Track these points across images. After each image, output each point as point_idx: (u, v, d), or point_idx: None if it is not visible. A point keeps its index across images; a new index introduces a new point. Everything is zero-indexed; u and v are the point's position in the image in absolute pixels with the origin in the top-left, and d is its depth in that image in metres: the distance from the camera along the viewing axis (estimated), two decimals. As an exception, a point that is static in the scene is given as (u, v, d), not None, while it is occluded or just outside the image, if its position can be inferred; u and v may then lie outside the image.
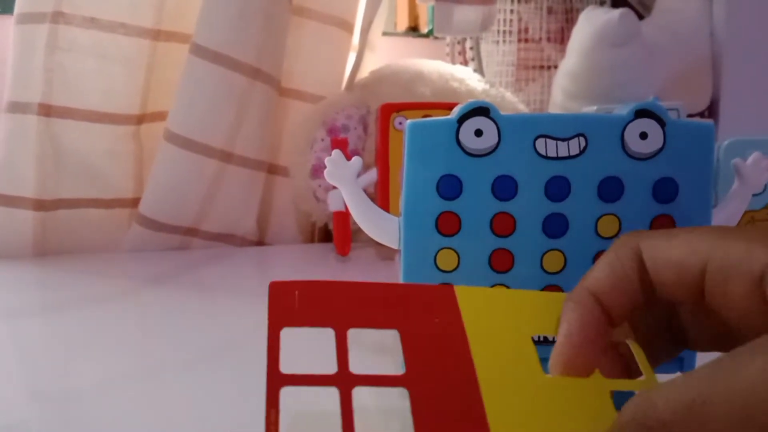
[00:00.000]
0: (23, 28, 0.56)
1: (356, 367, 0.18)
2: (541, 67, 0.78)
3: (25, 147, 0.56)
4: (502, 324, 0.20)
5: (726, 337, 0.19)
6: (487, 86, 0.66)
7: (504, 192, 0.25)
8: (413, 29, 0.85)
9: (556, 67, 0.75)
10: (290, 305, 0.19)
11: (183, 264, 0.58)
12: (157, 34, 0.60)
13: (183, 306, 0.45)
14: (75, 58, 0.57)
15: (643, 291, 0.20)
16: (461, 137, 0.24)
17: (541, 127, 0.24)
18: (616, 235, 0.25)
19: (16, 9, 0.56)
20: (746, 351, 0.15)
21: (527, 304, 0.21)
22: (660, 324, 0.22)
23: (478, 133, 0.24)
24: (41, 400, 0.30)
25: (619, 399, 0.18)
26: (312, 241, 0.69)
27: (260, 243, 0.67)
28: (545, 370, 0.19)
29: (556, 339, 0.20)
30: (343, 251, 0.57)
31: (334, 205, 0.56)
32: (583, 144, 0.24)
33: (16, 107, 0.56)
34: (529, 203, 0.25)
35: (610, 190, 0.25)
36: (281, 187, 0.67)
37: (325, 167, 0.27)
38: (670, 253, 0.19)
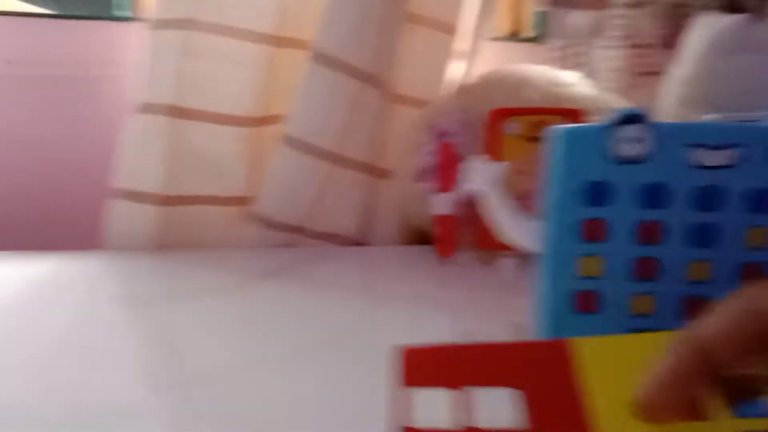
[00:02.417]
0: (158, 34, 0.59)
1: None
2: (652, 73, 0.75)
3: (153, 146, 0.60)
4: (622, 373, 0.20)
5: None
6: (597, 92, 0.65)
7: (653, 200, 0.24)
8: (515, 34, 0.84)
9: (666, 73, 0.72)
10: (418, 368, 0.21)
11: (290, 260, 0.59)
12: (279, 41, 0.62)
13: (290, 300, 0.46)
14: (204, 62, 0.60)
15: (758, 342, 0.19)
16: (613, 143, 0.24)
17: (695, 135, 0.24)
18: (763, 246, 0.24)
19: (153, 15, 0.60)
20: None
21: (650, 347, 0.20)
22: None
23: (632, 140, 0.24)
24: (156, 384, 0.31)
25: None
26: (414, 243, 0.70)
27: (363, 243, 0.69)
28: None
29: None
30: (447, 254, 0.58)
31: (437, 209, 0.57)
32: (736, 154, 0.24)
33: (148, 108, 0.59)
34: (678, 212, 0.24)
35: (763, 201, 0.24)
36: (385, 189, 0.68)
37: (429, 170, 0.27)
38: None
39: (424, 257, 0.63)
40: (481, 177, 0.26)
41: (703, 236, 0.25)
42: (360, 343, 0.37)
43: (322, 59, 0.58)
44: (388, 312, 0.44)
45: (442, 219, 0.58)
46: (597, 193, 0.25)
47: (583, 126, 0.25)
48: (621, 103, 0.66)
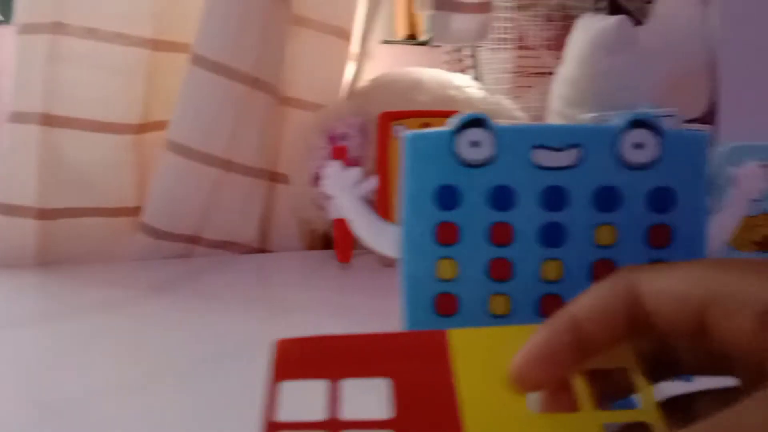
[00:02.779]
0: (24, 39, 0.56)
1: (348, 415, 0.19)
2: (539, 74, 0.78)
3: (26, 156, 0.57)
4: (492, 363, 0.20)
5: (722, 362, 0.19)
6: (486, 94, 0.67)
7: (501, 202, 0.25)
8: (411, 37, 0.85)
9: (553, 74, 0.75)
10: (292, 360, 0.20)
11: (185, 272, 0.58)
12: (156, 44, 0.60)
13: (185, 314, 0.45)
14: (75, 68, 0.57)
15: (629, 324, 0.19)
16: (458, 148, 0.24)
17: (537, 137, 0.24)
18: (613, 245, 0.25)
19: (17, 20, 0.57)
20: (748, 404, 0.15)
21: (523, 338, 0.21)
22: (651, 352, 0.21)
23: (475, 144, 0.24)
24: (41, 408, 0.30)
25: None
26: (313, 248, 0.70)
27: (262, 250, 0.68)
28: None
29: None
30: (345, 258, 0.57)
31: (335, 213, 0.56)
32: (579, 154, 0.25)
33: (18, 117, 0.56)
34: (526, 213, 0.25)
35: (607, 199, 0.25)
36: (282, 194, 0.68)
37: (324, 175, 0.27)
38: (671, 286, 0.19)
39: (324, 262, 0.62)
40: (336, 182, 0.26)
41: (552, 236, 0.25)
42: (258, 354, 0.36)
43: (201, 62, 0.56)
44: (287, 320, 0.43)
45: (340, 223, 0.58)
46: (447, 197, 0.25)
47: (429, 131, 0.25)
48: (510, 105, 0.68)
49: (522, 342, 0.20)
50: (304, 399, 0.20)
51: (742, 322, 0.17)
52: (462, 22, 0.65)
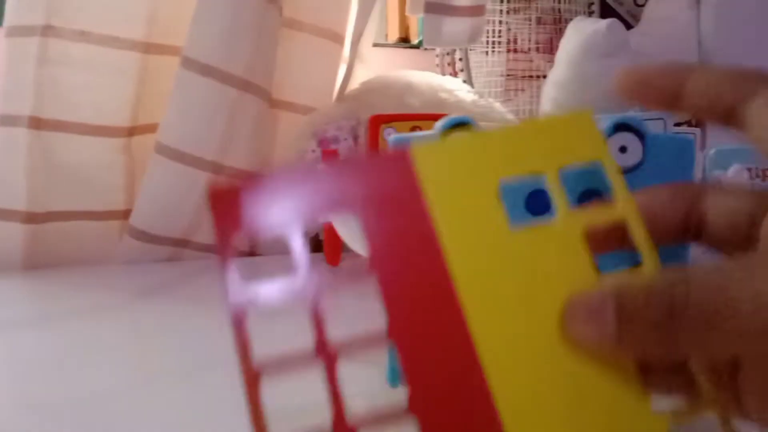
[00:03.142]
0: (14, 41, 0.56)
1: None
2: (530, 77, 0.78)
3: (15, 160, 0.56)
4: (465, 179, 0.18)
5: None
6: (476, 97, 0.67)
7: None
8: (404, 40, 0.85)
9: (544, 77, 0.75)
10: (236, 216, 0.18)
11: (175, 275, 0.58)
12: (148, 47, 0.60)
13: (174, 318, 0.44)
14: (66, 71, 0.57)
15: (684, 223, 0.20)
16: (443, 152, 0.24)
17: (522, 141, 0.24)
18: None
19: (6, 22, 0.57)
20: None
21: (492, 145, 0.19)
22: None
23: (460, 148, 0.24)
24: (32, 412, 0.30)
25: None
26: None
27: (252, 254, 0.68)
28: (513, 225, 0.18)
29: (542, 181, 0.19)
30: (334, 261, 0.57)
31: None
32: (563, 158, 0.25)
33: (7, 120, 0.56)
34: (509, 216, 0.25)
35: (590, 202, 0.25)
36: (272, 198, 0.67)
37: None
38: (728, 200, 0.19)
39: (314, 265, 0.62)
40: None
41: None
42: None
43: (192, 65, 0.56)
44: (275, 324, 0.43)
45: (329, 226, 0.58)
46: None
47: (414, 134, 0.25)
48: (501, 108, 0.68)
49: (490, 147, 0.19)
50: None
51: None
52: (454, 26, 0.65)
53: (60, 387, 0.33)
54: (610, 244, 0.20)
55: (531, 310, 0.17)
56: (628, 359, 0.17)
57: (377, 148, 0.53)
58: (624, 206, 0.18)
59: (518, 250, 0.18)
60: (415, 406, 0.16)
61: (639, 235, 0.18)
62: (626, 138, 0.24)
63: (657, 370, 0.18)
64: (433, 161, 0.18)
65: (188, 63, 0.57)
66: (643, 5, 0.80)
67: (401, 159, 0.18)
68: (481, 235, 0.18)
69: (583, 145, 0.19)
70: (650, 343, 0.16)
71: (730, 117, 0.19)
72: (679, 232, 0.20)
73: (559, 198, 0.18)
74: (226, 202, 0.18)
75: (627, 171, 0.24)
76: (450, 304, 0.17)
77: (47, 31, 0.56)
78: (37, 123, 0.56)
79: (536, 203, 0.25)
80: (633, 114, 0.25)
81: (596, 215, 0.18)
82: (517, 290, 0.17)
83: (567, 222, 0.18)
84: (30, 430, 0.28)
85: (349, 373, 0.17)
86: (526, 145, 0.19)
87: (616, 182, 0.19)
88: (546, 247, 0.18)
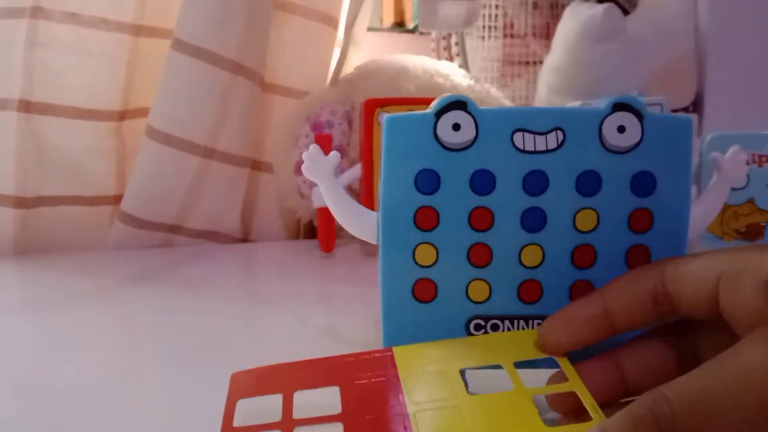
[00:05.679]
0: (3, 23, 0.55)
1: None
2: (527, 62, 0.78)
3: (5, 143, 0.56)
4: (435, 364, 0.23)
5: None
6: (472, 82, 0.66)
7: (482, 186, 0.24)
8: (399, 24, 0.85)
9: (541, 62, 0.75)
10: (246, 384, 0.23)
11: (166, 261, 0.57)
12: (138, 30, 0.59)
13: (166, 304, 0.44)
14: (55, 53, 0.56)
15: (655, 305, 0.21)
16: (439, 131, 0.24)
17: (518, 121, 0.24)
18: (594, 229, 0.25)
19: (-4, 4, 0.56)
20: (745, 342, 0.16)
21: (461, 347, 0.24)
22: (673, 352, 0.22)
23: (456, 127, 0.24)
24: (22, 398, 0.29)
25: None
26: (297, 237, 0.69)
27: (244, 240, 0.67)
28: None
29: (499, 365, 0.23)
30: (328, 248, 0.57)
31: (318, 202, 0.56)
32: (560, 138, 0.24)
33: (-5, 103, 0.55)
34: (506, 198, 0.24)
35: (588, 183, 0.25)
36: (265, 183, 0.67)
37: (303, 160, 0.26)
38: (690, 267, 0.20)
39: (308, 252, 0.62)
40: (316, 168, 0.26)
41: (533, 221, 0.25)
42: (242, 344, 0.36)
43: (183, 47, 0.55)
44: (269, 311, 0.42)
45: (322, 212, 0.57)
46: (427, 181, 0.24)
47: (410, 114, 0.24)
48: (497, 93, 0.67)
49: (460, 348, 0.24)
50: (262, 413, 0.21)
51: (747, 289, 0.18)
52: (450, 9, 0.64)
53: (49, 373, 0.32)
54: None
55: None
56: None
57: (372, 132, 0.52)
58: (572, 382, 0.21)
59: (475, 405, 0.21)
60: None
61: (587, 402, 0.21)
62: (625, 118, 0.24)
63: None
64: (411, 355, 0.24)
65: (179, 45, 0.56)
66: (640, -9, 0.79)
67: (386, 353, 0.24)
68: (443, 398, 0.21)
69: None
70: None
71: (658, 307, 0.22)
72: (652, 316, 0.22)
73: (514, 378, 0.22)
74: (244, 382, 0.23)
75: (625, 151, 0.24)
76: None
77: (36, 12, 0.55)
78: (26, 106, 0.56)
79: (534, 184, 0.24)
80: (628, 96, 0.25)
81: (548, 390, 0.22)
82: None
83: (521, 392, 0.21)
84: (19, 416, 0.27)
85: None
86: (490, 346, 0.24)
87: (566, 367, 0.22)
88: (500, 406, 0.21)
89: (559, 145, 0.24)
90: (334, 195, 0.26)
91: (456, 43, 0.75)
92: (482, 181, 0.24)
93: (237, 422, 0.21)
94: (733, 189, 0.38)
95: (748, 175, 0.44)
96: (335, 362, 0.23)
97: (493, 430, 0.20)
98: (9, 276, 0.54)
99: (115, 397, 0.29)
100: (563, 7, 0.75)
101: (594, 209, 0.25)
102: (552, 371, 0.23)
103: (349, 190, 0.56)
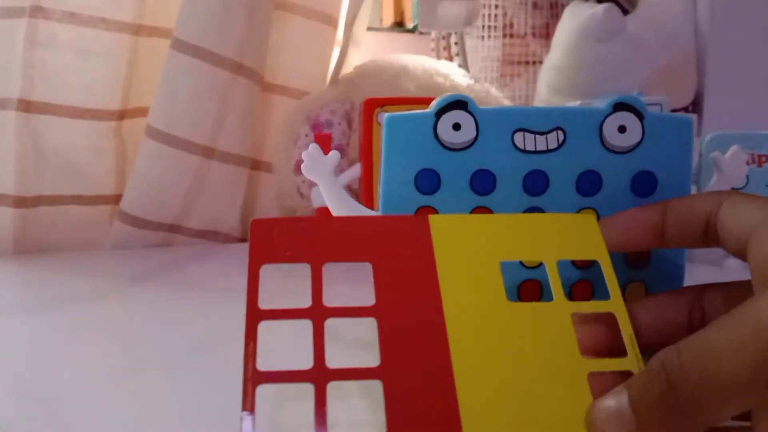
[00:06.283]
0: (2, 23, 0.55)
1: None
2: (527, 62, 0.78)
3: (4, 143, 0.55)
4: (474, 251, 0.21)
5: None
6: (472, 81, 0.66)
7: (482, 186, 0.24)
8: (398, 24, 0.85)
9: (541, 62, 0.74)
10: (270, 242, 0.20)
11: (166, 261, 0.57)
12: (138, 29, 0.59)
13: (166, 304, 0.44)
14: (55, 53, 0.56)
15: (705, 233, 0.21)
16: (439, 131, 0.24)
17: (519, 120, 0.24)
18: (594, 229, 0.25)
19: (-5, 4, 0.56)
20: (756, 298, 0.16)
21: (504, 227, 0.22)
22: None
23: (456, 126, 0.24)
24: (22, 398, 0.29)
25: None
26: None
27: (244, 240, 0.67)
28: (511, 298, 0.21)
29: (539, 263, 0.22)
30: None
31: (318, 201, 0.56)
32: (561, 137, 0.24)
33: (-5, 103, 0.55)
34: (507, 197, 0.24)
35: (589, 183, 0.25)
36: (265, 183, 0.67)
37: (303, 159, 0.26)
38: (740, 208, 0.20)
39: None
40: (315, 167, 0.26)
41: (533, 221, 0.25)
42: (240, 345, 0.35)
43: (183, 47, 0.55)
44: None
45: (322, 212, 0.57)
46: (427, 181, 0.24)
47: (410, 113, 0.24)
48: (497, 93, 0.67)
49: (500, 230, 0.22)
50: (287, 286, 0.20)
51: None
52: (449, 9, 0.64)
53: (49, 373, 0.32)
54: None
55: (513, 364, 0.19)
56: None
57: (371, 132, 0.52)
58: (614, 303, 0.20)
59: (511, 318, 0.20)
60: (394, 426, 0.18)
61: (625, 330, 0.20)
62: (625, 118, 0.24)
63: None
64: (448, 231, 0.21)
65: (179, 45, 0.56)
66: (639, -10, 0.79)
67: (421, 223, 0.22)
68: (480, 301, 0.20)
69: (584, 243, 0.22)
70: (668, 423, 0.17)
71: (708, 235, 0.21)
72: (700, 241, 0.22)
73: (556, 285, 0.21)
74: (265, 233, 0.21)
75: (626, 151, 0.24)
76: (440, 354, 0.19)
77: (36, 12, 0.55)
78: (26, 106, 0.56)
79: (534, 184, 0.24)
80: (629, 95, 0.25)
81: (588, 307, 0.21)
82: (504, 347, 0.19)
83: (561, 306, 0.20)
84: (18, 416, 0.27)
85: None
86: (532, 234, 0.22)
87: (611, 282, 0.21)
88: (537, 320, 0.20)
89: (560, 145, 0.24)
90: (334, 194, 0.26)
91: (456, 43, 0.75)
92: (482, 181, 0.24)
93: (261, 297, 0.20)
94: (732, 189, 0.38)
95: (747, 175, 0.44)
96: (367, 225, 0.21)
97: (530, 359, 0.19)
98: (9, 276, 0.53)
99: (115, 397, 0.29)
100: (563, 6, 0.75)
101: (594, 209, 0.25)
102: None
103: (349, 190, 0.56)
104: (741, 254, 0.20)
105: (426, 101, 0.25)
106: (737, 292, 0.21)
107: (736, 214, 0.20)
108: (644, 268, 0.25)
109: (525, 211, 0.25)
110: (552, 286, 0.20)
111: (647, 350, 0.19)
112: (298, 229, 0.21)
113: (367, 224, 0.21)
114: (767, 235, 0.19)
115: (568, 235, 0.22)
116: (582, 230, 0.22)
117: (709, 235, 0.21)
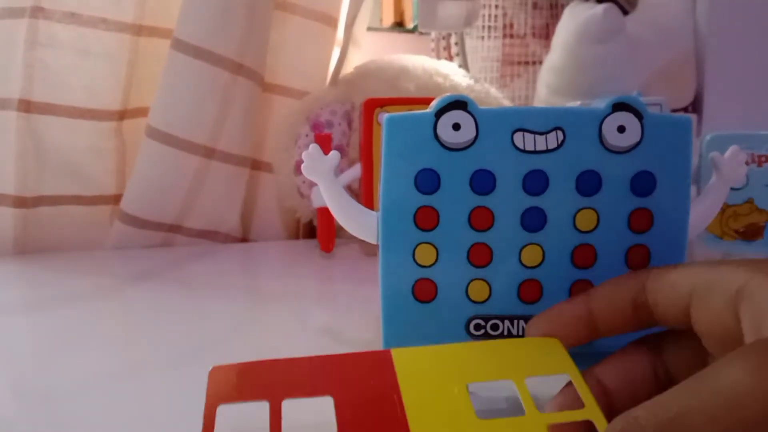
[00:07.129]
0: (3, 23, 0.55)
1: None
2: (526, 62, 0.78)
3: (5, 143, 0.56)
4: (440, 377, 0.21)
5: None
6: (472, 82, 0.66)
7: (482, 186, 0.24)
8: (399, 24, 0.85)
9: (541, 62, 0.75)
10: (228, 384, 0.21)
11: (166, 261, 0.57)
12: (139, 30, 0.59)
13: (166, 304, 0.44)
14: (56, 53, 0.56)
15: (635, 315, 0.21)
16: (439, 131, 0.24)
17: (518, 120, 0.24)
18: (594, 229, 0.25)
19: (-4, 5, 0.56)
20: (723, 362, 0.16)
21: (470, 354, 0.22)
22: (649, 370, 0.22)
23: (456, 126, 0.24)
24: (22, 398, 0.29)
25: None
26: (296, 237, 0.69)
27: (244, 240, 0.67)
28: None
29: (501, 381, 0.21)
30: (327, 248, 0.57)
31: (318, 201, 0.56)
32: (560, 138, 0.24)
33: (-5, 103, 0.55)
34: (507, 197, 0.25)
35: (588, 183, 0.25)
36: (265, 183, 0.67)
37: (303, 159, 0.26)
38: (668, 278, 0.21)
39: (308, 252, 0.62)
40: (315, 167, 0.26)
41: (533, 221, 0.25)
42: (242, 343, 0.36)
43: (183, 47, 0.55)
44: (268, 311, 0.42)
45: (322, 212, 0.57)
46: (427, 181, 0.24)
47: (410, 113, 0.24)
48: (497, 94, 0.67)
49: (465, 356, 0.22)
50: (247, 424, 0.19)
51: (717, 302, 0.18)
52: (449, 9, 0.64)
53: (49, 373, 0.32)
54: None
55: None
56: None
57: (371, 132, 0.52)
58: (590, 410, 0.19)
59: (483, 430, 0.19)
60: None
61: None
62: (625, 118, 0.24)
63: None
64: (411, 362, 0.21)
65: (179, 45, 0.56)
66: (639, -9, 0.79)
67: (383, 356, 0.21)
68: (450, 422, 0.19)
69: (551, 360, 0.22)
70: None
71: (639, 317, 0.22)
72: (632, 323, 0.22)
73: (526, 400, 0.20)
74: (222, 377, 0.21)
75: (625, 151, 0.24)
76: None
77: (36, 12, 0.55)
78: (26, 106, 0.56)
79: (534, 184, 0.24)
80: (628, 96, 0.25)
81: (563, 417, 0.20)
82: None
83: (534, 419, 0.19)
84: (18, 416, 0.27)
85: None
86: (499, 356, 0.22)
87: (583, 392, 0.20)
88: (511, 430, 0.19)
89: (559, 145, 0.24)
90: (334, 195, 0.26)
91: (455, 43, 0.75)
92: (482, 181, 0.24)
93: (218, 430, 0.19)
94: (732, 189, 0.38)
95: (747, 175, 0.44)
96: (327, 363, 0.21)
97: None
98: (9, 276, 0.53)
99: (114, 397, 0.29)
100: (563, 7, 0.75)
101: (594, 209, 0.25)
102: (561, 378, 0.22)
103: (349, 190, 0.56)
104: (682, 323, 0.20)
105: (426, 101, 0.26)
106: (694, 350, 0.20)
107: (665, 288, 0.20)
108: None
109: (525, 211, 0.25)
110: (522, 402, 0.20)
111: (620, 407, 0.19)
112: (258, 371, 0.21)
113: (328, 362, 0.21)
114: (706, 298, 0.19)
115: (534, 355, 0.22)
116: (547, 349, 0.22)
117: (640, 317, 0.21)
